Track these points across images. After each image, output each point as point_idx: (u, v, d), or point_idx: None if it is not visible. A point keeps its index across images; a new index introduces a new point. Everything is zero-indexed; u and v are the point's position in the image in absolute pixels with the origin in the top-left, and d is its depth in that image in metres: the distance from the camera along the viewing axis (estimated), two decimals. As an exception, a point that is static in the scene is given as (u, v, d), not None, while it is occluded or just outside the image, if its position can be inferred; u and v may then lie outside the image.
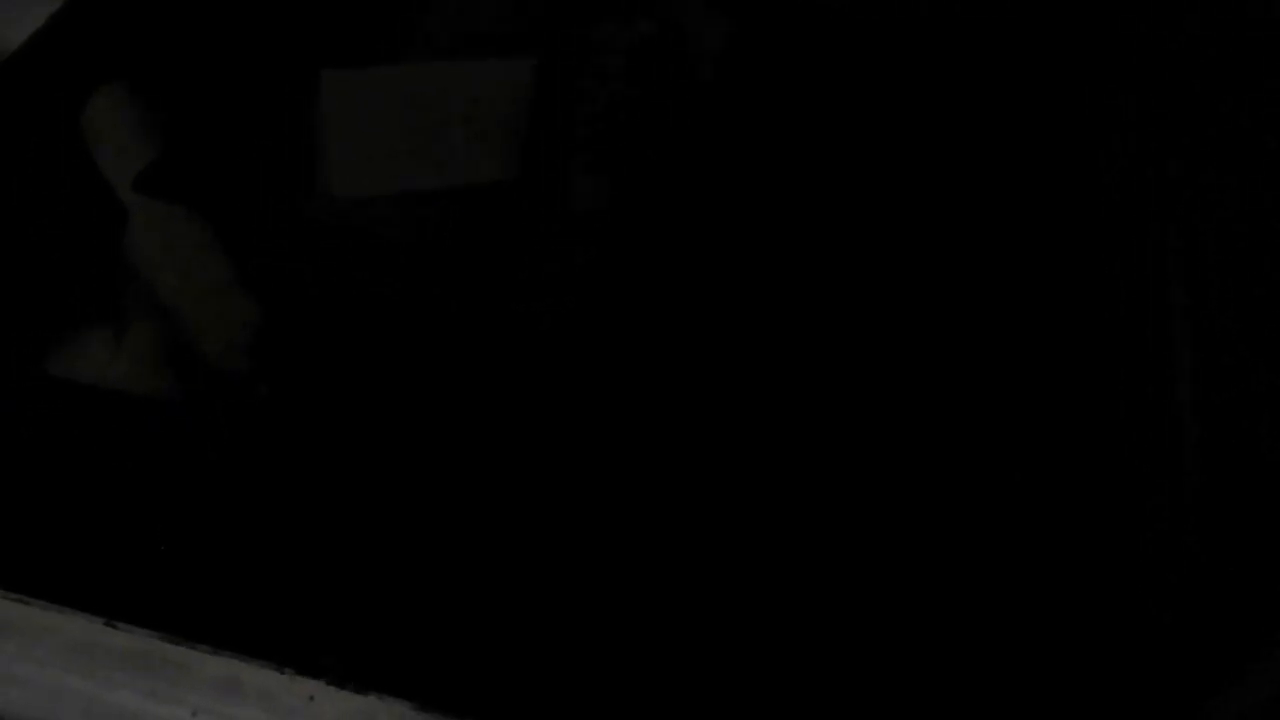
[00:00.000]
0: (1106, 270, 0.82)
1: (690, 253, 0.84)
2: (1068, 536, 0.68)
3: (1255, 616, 0.59)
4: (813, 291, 0.83)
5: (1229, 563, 0.63)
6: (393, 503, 0.68)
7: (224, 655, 0.60)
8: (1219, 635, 0.60)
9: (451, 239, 0.79)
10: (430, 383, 0.77)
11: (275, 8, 0.89)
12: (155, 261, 0.86)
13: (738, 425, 0.75)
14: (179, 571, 0.65)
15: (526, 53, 0.86)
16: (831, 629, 0.64)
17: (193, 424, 0.75)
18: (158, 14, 0.93)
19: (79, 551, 0.66)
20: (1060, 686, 0.61)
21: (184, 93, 0.90)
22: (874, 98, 0.96)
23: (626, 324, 0.81)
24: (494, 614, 0.64)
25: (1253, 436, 0.66)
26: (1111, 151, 0.89)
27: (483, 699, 0.59)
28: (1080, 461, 0.72)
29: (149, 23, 0.93)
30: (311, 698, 0.59)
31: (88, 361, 0.82)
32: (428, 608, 0.64)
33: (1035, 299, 0.82)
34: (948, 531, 0.68)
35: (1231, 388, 0.71)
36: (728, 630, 0.64)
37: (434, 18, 0.88)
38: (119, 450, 0.73)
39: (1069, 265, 0.84)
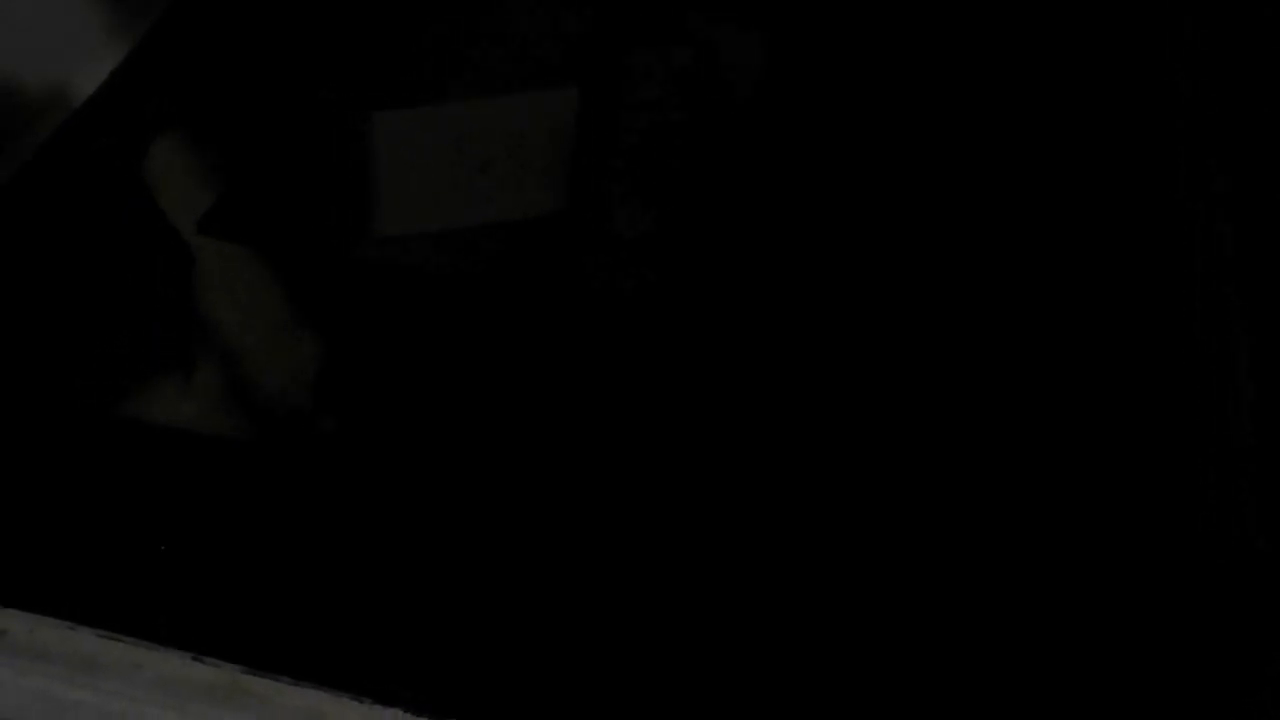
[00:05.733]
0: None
1: (738, 271, 0.85)
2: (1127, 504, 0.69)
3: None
4: (864, 298, 0.84)
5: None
6: (460, 532, 0.70)
7: (304, 686, 0.62)
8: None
9: (501, 272, 0.82)
10: (481, 412, 0.79)
11: (326, 50, 0.92)
12: (220, 302, 0.90)
13: (787, 431, 0.76)
14: (258, 605, 0.67)
15: (567, 83, 0.88)
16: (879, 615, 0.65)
17: (261, 461, 0.78)
18: (215, 62, 0.97)
19: (163, 588, 0.69)
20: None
21: (242, 137, 0.93)
22: (909, 106, 0.97)
23: (676, 342, 0.82)
24: (562, 641, 0.65)
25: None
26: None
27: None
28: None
29: (207, 71, 0.97)
30: (391, 725, 0.61)
31: (158, 404, 0.85)
32: (499, 634, 0.66)
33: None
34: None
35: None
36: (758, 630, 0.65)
37: (477, 51, 0.90)
38: (193, 489, 0.75)
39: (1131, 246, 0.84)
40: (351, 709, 0.62)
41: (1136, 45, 0.94)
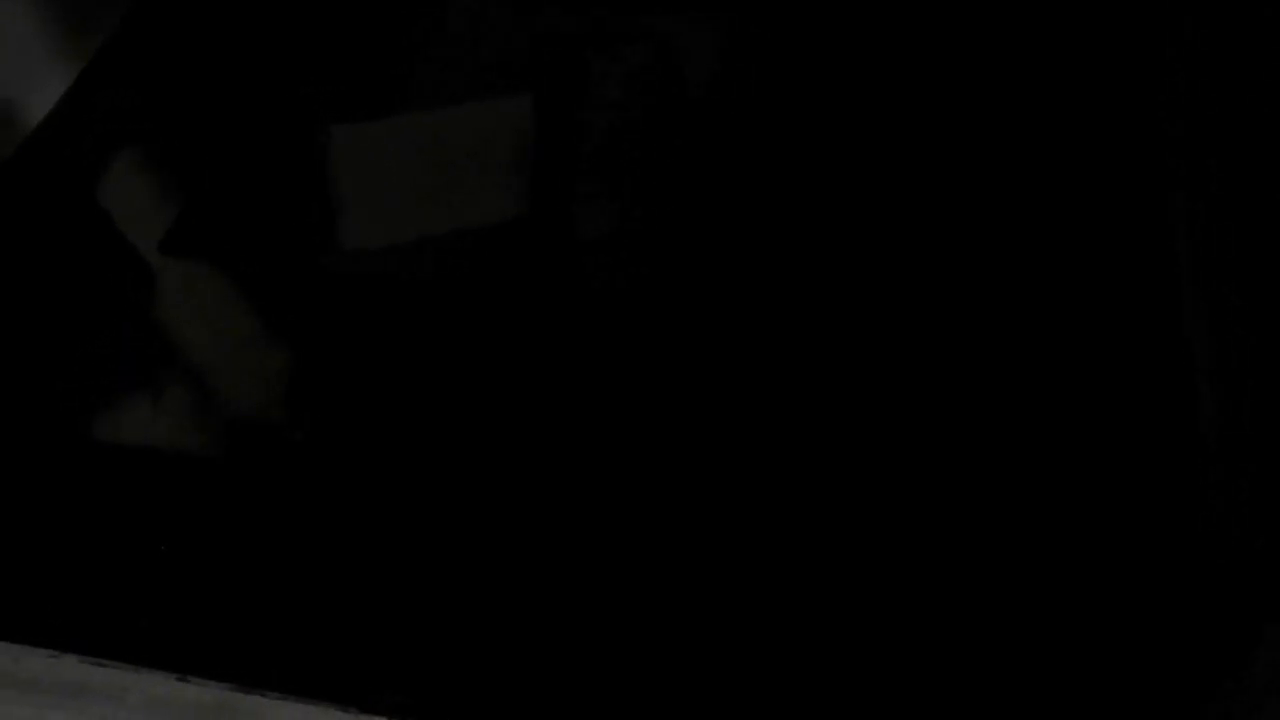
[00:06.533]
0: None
1: (701, 265, 0.87)
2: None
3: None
4: (826, 286, 0.85)
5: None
6: (439, 538, 0.72)
7: (290, 700, 0.63)
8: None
9: (466, 279, 0.82)
10: (454, 417, 0.80)
11: (282, 67, 0.92)
12: (185, 320, 0.90)
13: (756, 425, 0.78)
14: (240, 622, 0.68)
15: (525, 88, 0.89)
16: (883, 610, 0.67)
17: (237, 476, 0.78)
18: (168, 80, 0.96)
19: (144, 609, 0.69)
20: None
21: (199, 154, 0.93)
22: (866, 95, 0.98)
23: (643, 342, 0.84)
24: (545, 646, 0.67)
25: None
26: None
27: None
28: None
29: (160, 89, 0.96)
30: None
31: (129, 424, 0.85)
32: (481, 640, 0.67)
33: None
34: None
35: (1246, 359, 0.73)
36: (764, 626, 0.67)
37: (434, 62, 0.90)
38: (169, 508, 0.76)
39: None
40: (337, 719, 0.63)
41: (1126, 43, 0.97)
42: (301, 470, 0.79)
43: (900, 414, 0.78)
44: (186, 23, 0.99)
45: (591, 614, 0.69)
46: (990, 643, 0.66)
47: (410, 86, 0.89)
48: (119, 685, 0.63)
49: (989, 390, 0.79)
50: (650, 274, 0.86)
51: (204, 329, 0.89)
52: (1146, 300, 0.81)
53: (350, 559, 0.73)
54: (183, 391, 0.87)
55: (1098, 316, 0.82)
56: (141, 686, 0.63)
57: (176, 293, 0.91)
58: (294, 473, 0.79)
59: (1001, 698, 0.64)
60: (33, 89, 0.98)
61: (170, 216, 0.94)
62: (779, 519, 0.72)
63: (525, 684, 0.65)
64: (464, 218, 0.85)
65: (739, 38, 1.01)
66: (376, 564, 0.73)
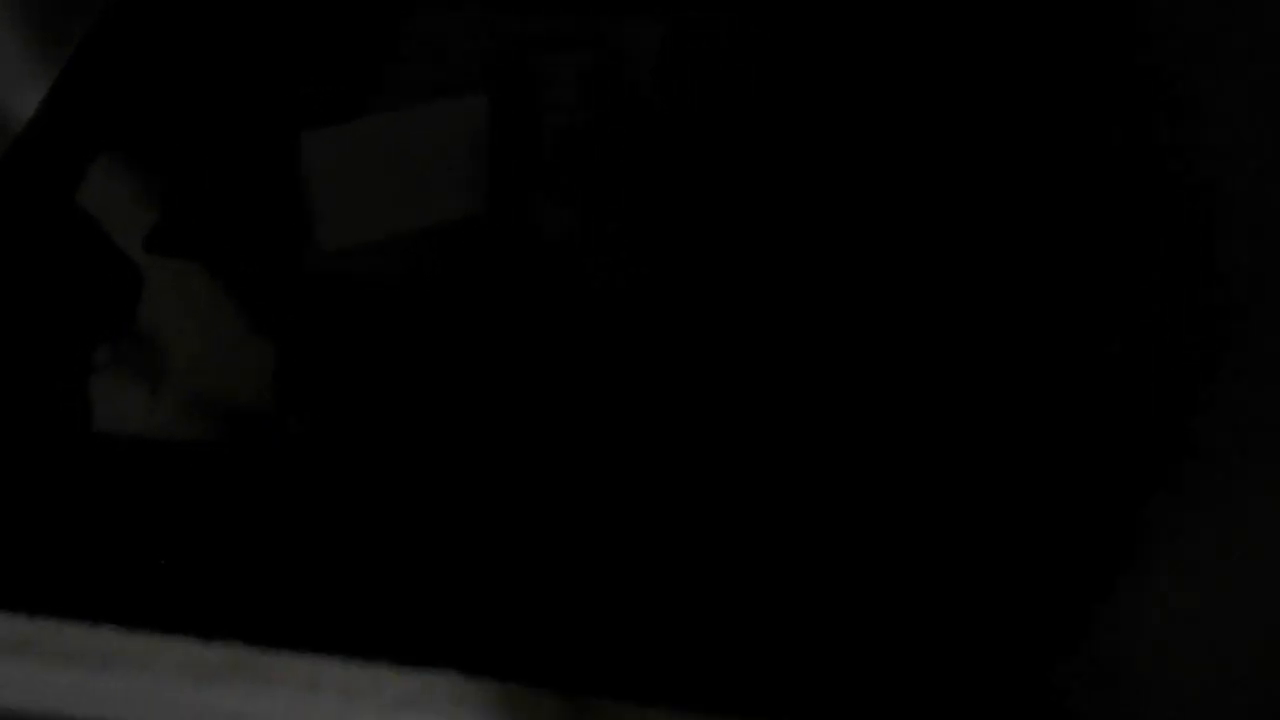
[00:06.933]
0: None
1: (660, 259, 0.95)
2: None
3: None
4: (772, 279, 0.95)
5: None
6: (423, 504, 0.81)
7: (299, 656, 0.73)
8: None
9: (439, 275, 0.91)
10: (438, 403, 0.89)
11: (252, 70, 0.98)
12: (176, 316, 0.97)
13: (726, 412, 0.87)
14: (247, 594, 0.77)
15: (479, 89, 0.96)
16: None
17: (234, 463, 0.87)
18: (146, 84, 1.02)
19: (159, 587, 0.78)
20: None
21: (179, 155, 1.00)
22: (806, 89, 1.07)
23: (605, 338, 0.93)
24: (523, 592, 0.77)
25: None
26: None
27: (522, 666, 0.73)
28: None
29: (139, 93, 1.02)
30: (377, 681, 0.72)
31: (129, 416, 0.93)
32: (464, 592, 0.77)
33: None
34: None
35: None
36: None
37: (393, 64, 0.97)
38: (171, 494, 0.84)
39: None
40: (342, 670, 0.73)
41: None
42: (294, 455, 0.88)
43: (852, 387, 0.88)
44: (157, 26, 1.05)
45: (571, 576, 0.79)
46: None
47: (374, 91, 0.96)
48: (150, 650, 0.72)
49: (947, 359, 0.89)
50: (607, 268, 0.94)
51: (194, 322, 0.97)
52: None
53: (341, 532, 0.82)
54: (179, 383, 0.95)
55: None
56: (170, 650, 0.72)
57: (164, 289, 0.98)
58: (287, 457, 0.88)
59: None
60: (12, 92, 1.03)
61: (153, 217, 1.01)
62: (741, 486, 0.82)
63: (516, 644, 0.75)
64: (428, 217, 0.93)
65: (679, 35, 1.08)
66: (366, 535, 0.82)
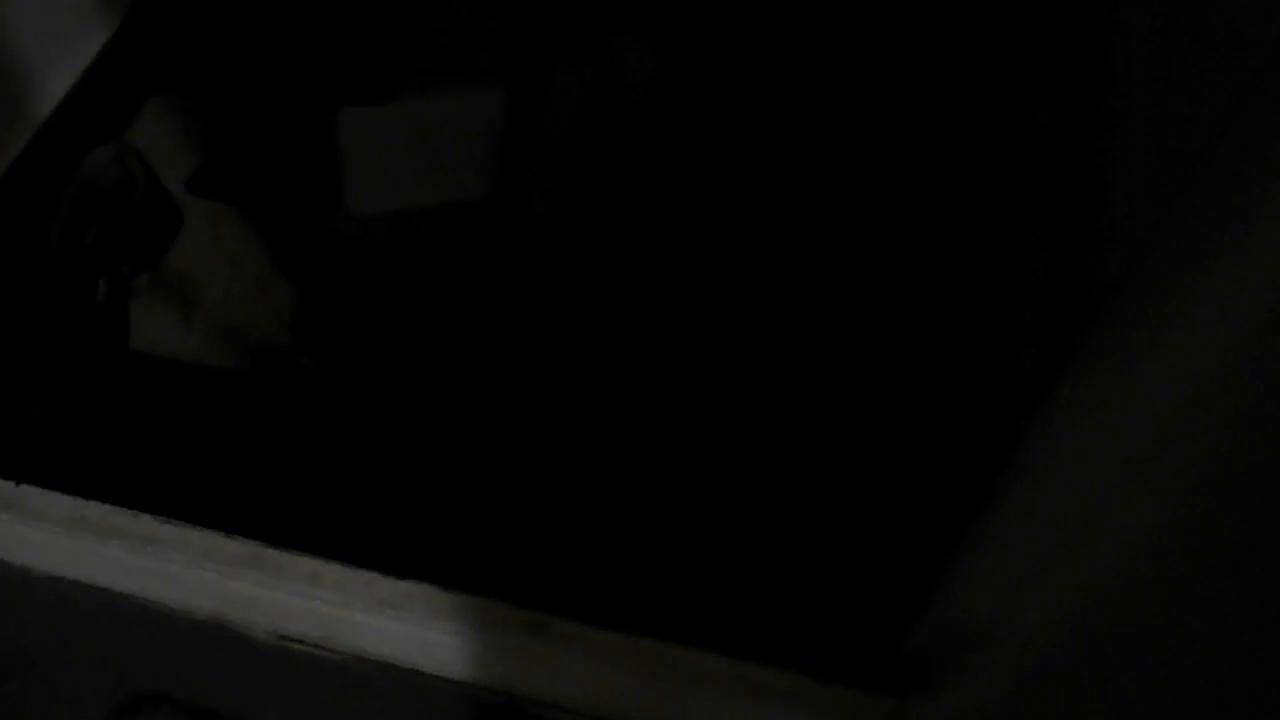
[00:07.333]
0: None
1: (631, 247, 1.10)
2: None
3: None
4: (725, 255, 1.10)
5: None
6: (415, 436, 0.96)
7: (307, 556, 0.87)
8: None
9: (446, 244, 1.05)
10: (433, 347, 1.04)
11: (303, 46, 1.10)
12: (208, 253, 1.10)
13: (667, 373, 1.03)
14: (267, 497, 0.92)
15: (497, 86, 1.09)
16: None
17: (254, 388, 1.00)
18: (201, 40, 1.14)
19: (187, 487, 0.92)
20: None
21: (225, 110, 1.12)
22: (777, 105, 1.21)
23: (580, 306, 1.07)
24: (500, 518, 0.92)
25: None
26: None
27: (489, 580, 0.88)
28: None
29: (193, 48, 1.14)
30: (368, 584, 0.87)
31: (163, 338, 1.05)
32: (448, 513, 0.92)
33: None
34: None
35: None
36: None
37: (425, 56, 1.10)
38: (199, 410, 0.98)
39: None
40: (340, 571, 0.87)
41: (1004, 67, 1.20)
42: (304, 386, 1.02)
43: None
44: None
45: (539, 510, 0.95)
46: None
47: (408, 78, 1.09)
48: (182, 538, 0.86)
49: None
50: (586, 243, 1.09)
51: (224, 261, 1.10)
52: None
53: (343, 453, 0.97)
54: (209, 314, 1.08)
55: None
56: (198, 539, 0.86)
57: (200, 228, 1.11)
58: (298, 387, 1.02)
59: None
60: (76, 43, 1.14)
61: (195, 161, 1.13)
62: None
63: (499, 550, 0.90)
64: (444, 193, 1.06)
65: (673, 53, 1.22)
66: (364, 459, 0.96)
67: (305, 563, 0.87)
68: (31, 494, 0.87)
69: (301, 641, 0.85)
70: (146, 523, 0.86)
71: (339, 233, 1.05)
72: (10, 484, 0.86)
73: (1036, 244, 1.06)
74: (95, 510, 0.85)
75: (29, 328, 1.02)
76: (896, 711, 0.74)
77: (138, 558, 0.85)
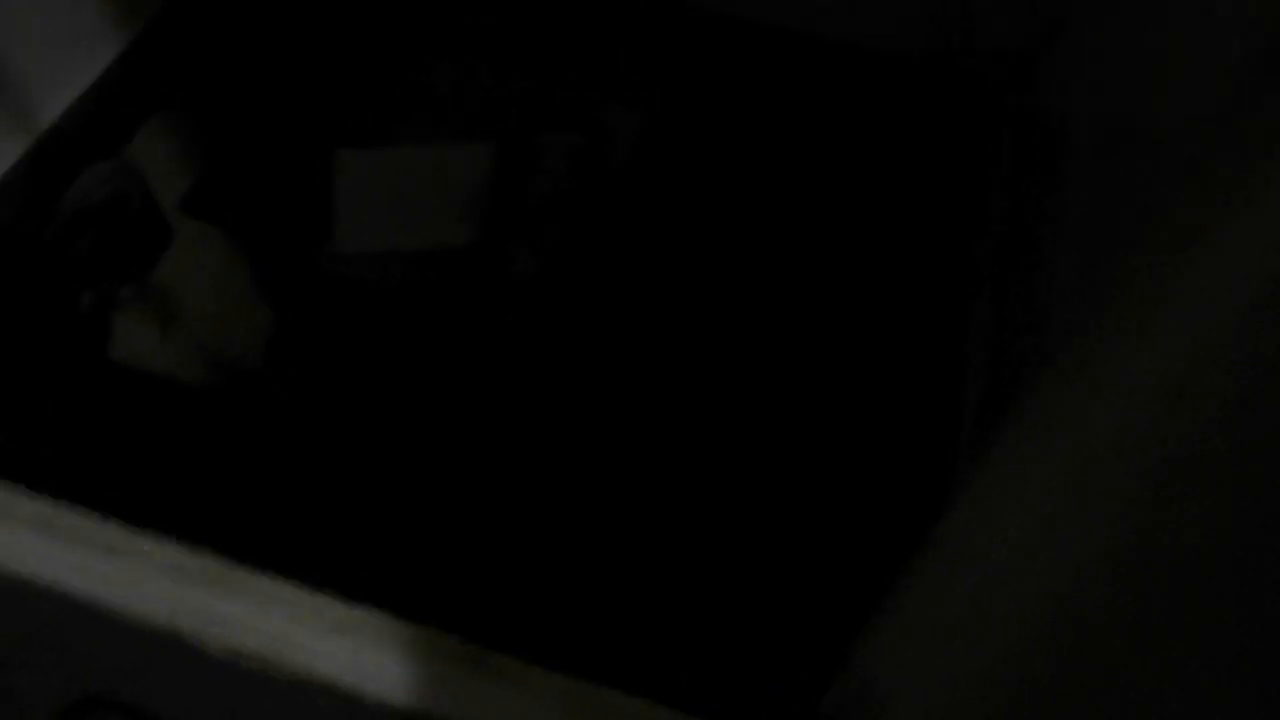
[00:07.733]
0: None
1: (606, 311, 1.16)
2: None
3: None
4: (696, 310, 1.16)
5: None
6: (378, 471, 1.00)
7: (264, 576, 0.91)
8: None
9: (426, 290, 1.10)
10: (401, 390, 1.08)
11: (303, 84, 1.15)
12: (192, 271, 1.14)
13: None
14: (229, 514, 0.95)
15: (487, 139, 1.16)
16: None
17: (225, 409, 1.04)
18: (204, 63, 1.18)
19: (153, 501, 0.96)
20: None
21: (226, 132, 1.16)
22: (751, 175, 1.28)
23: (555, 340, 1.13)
24: (452, 551, 0.96)
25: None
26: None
27: (441, 612, 0.92)
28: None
29: (195, 71, 1.18)
30: (320, 607, 0.91)
31: (140, 350, 1.09)
32: (402, 545, 0.96)
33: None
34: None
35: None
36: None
37: (419, 106, 1.16)
38: (170, 427, 1.02)
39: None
40: (292, 592, 0.91)
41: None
42: (273, 413, 1.06)
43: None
44: (229, 15, 1.21)
45: (485, 545, 0.99)
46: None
47: (402, 125, 1.15)
48: (144, 548, 0.89)
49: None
50: (562, 305, 1.15)
51: (207, 279, 1.14)
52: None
53: (306, 480, 1.01)
54: (186, 330, 1.11)
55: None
56: (159, 551, 0.90)
57: (188, 246, 1.15)
58: (268, 414, 1.05)
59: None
60: (85, 56, 1.19)
61: (189, 181, 1.17)
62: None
63: (450, 574, 0.94)
64: (425, 239, 1.11)
65: (657, 124, 1.29)
66: (326, 488, 1.00)
67: (261, 582, 0.91)
68: None
69: (251, 657, 0.89)
70: (112, 531, 0.89)
71: (323, 267, 1.09)
72: (-22, 483, 0.89)
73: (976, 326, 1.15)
74: (64, 516, 0.88)
75: (13, 332, 1.06)
76: (810, 768, 0.80)
77: (100, 564, 0.88)
